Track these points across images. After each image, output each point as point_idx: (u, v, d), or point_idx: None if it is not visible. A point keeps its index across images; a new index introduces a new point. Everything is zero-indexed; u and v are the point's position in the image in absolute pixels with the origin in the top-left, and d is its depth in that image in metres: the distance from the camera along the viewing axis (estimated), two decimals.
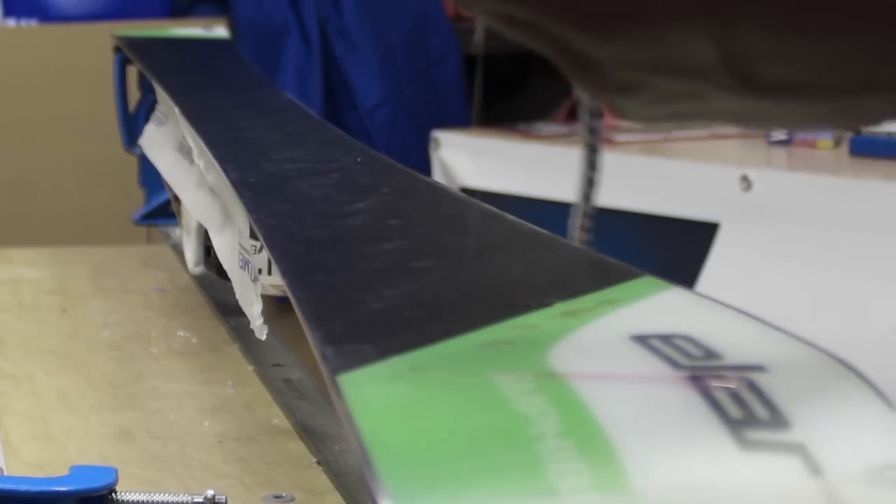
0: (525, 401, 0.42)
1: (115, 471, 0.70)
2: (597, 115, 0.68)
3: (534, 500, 0.37)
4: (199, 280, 1.17)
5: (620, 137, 2.05)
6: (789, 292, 1.69)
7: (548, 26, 0.42)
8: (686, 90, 0.43)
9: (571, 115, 2.37)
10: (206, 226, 0.93)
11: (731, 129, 2.20)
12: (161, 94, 1.12)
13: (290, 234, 0.70)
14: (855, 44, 0.41)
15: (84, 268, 1.31)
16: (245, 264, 0.83)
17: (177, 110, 1.00)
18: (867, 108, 0.43)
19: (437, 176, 2.09)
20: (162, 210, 1.28)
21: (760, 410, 0.41)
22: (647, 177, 1.87)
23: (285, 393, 0.93)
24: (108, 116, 1.34)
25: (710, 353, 0.46)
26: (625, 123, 2.31)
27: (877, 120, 0.45)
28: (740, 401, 0.42)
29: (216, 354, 1.04)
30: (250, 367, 1.00)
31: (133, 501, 0.70)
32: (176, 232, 1.36)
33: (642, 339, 0.48)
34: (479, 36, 0.51)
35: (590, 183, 0.69)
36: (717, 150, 2.04)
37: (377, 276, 0.60)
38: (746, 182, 1.75)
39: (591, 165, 0.68)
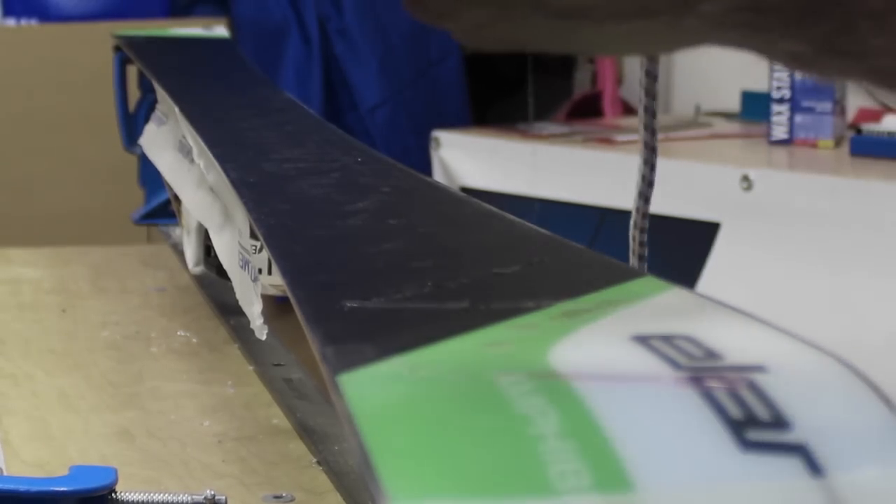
0: (525, 401, 0.42)
1: (115, 471, 0.70)
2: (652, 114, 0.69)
3: (534, 501, 0.37)
4: (199, 280, 1.17)
5: (620, 137, 2.05)
6: (789, 292, 1.69)
7: None
8: (494, 16, 0.46)
9: (571, 115, 2.37)
10: (206, 225, 0.93)
11: (731, 129, 2.20)
12: (161, 93, 1.12)
13: (290, 234, 0.70)
14: None
15: (84, 268, 1.31)
16: (245, 264, 0.83)
17: (177, 110, 1.00)
18: (655, 33, 0.46)
19: (437, 176, 2.09)
20: (162, 210, 1.28)
21: (761, 411, 0.41)
22: None
23: (285, 393, 0.93)
24: (108, 116, 1.34)
25: (710, 354, 0.46)
26: (624, 123, 2.31)
27: (671, 47, 0.47)
28: (741, 401, 0.42)
29: (216, 354, 1.04)
30: (250, 367, 1.00)
31: (133, 501, 0.70)
32: (176, 232, 1.36)
33: (643, 340, 0.48)
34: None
35: (647, 183, 0.69)
36: (718, 150, 2.04)
37: (377, 276, 0.60)
38: (747, 182, 1.75)
39: (650, 166, 0.69)
